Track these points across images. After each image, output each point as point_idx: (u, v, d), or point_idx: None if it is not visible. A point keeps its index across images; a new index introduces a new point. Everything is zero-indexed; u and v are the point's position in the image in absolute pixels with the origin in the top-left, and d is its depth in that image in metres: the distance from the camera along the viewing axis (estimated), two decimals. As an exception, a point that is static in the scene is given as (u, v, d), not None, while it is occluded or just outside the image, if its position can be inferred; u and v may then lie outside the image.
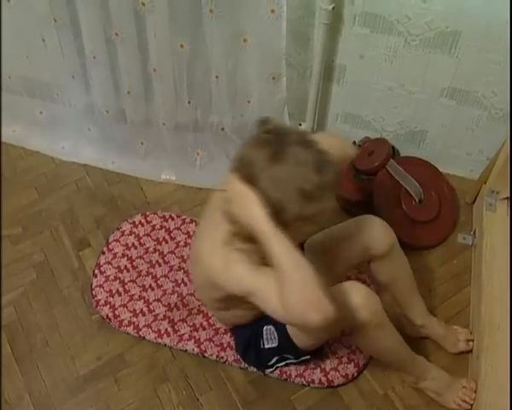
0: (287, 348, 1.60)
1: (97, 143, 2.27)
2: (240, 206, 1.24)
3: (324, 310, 1.19)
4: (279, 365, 1.70)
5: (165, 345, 1.81)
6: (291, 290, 1.20)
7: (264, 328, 1.60)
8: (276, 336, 1.59)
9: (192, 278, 1.66)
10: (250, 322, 1.62)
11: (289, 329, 1.55)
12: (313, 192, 1.20)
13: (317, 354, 1.70)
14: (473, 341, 1.77)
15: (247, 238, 1.31)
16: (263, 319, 1.57)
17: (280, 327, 1.57)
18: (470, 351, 1.77)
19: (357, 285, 1.46)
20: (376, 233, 1.61)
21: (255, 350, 1.65)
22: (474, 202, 2.11)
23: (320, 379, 1.74)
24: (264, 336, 1.61)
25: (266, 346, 1.61)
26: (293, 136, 1.24)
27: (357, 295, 1.42)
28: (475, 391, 1.65)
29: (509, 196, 1.91)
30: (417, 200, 2.01)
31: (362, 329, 1.46)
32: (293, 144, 1.21)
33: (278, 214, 1.21)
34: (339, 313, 1.21)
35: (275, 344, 1.60)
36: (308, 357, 1.67)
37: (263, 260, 1.28)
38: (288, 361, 1.69)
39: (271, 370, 1.72)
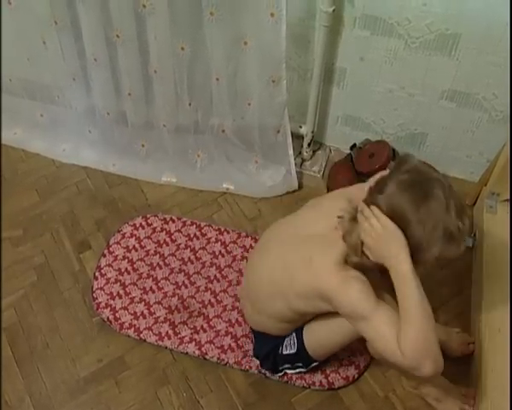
0: (302, 356, 1.62)
1: (98, 145, 2.27)
2: (385, 243, 1.27)
3: (438, 365, 1.25)
4: (289, 372, 1.71)
5: (166, 347, 1.81)
6: (413, 336, 1.24)
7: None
8: (295, 342, 1.61)
9: (268, 282, 1.56)
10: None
11: (306, 340, 1.58)
12: (456, 235, 1.24)
13: (326, 361, 1.72)
14: (473, 343, 1.76)
15: (358, 266, 1.35)
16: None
17: (300, 335, 1.59)
18: (471, 354, 1.76)
19: None
20: None
21: (274, 355, 1.67)
22: (474, 204, 2.11)
23: (321, 381, 1.74)
24: (284, 343, 1.63)
25: (284, 352, 1.64)
26: (436, 178, 1.27)
27: None
28: (474, 398, 1.64)
29: (509, 198, 1.91)
30: (418, 202, 2.01)
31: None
32: (436, 187, 1.24)
33: (417, 253, 1.26)
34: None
35: (293, 351, 1.62)
36: (316, 363, 1.68)
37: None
38: (298, 370, 1.70)
39: (280, 374, 1.73)
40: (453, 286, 1.94)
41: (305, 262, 1.41)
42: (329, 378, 1.74)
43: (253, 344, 1.76)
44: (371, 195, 1.31)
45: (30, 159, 2.31)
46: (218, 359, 1.78)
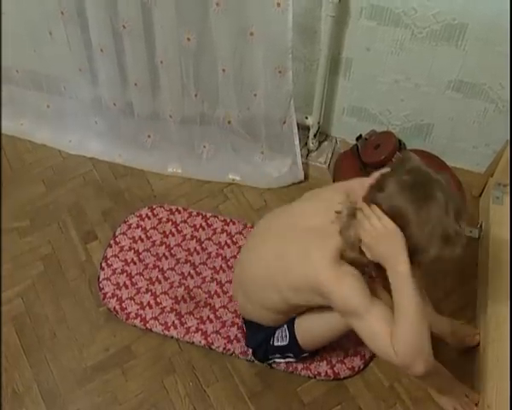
0: (293, 348, 1.63)
1: (104, 136, 2.28)
2: (385, 243, 1.27)
3: (430, 365, 1.29)
4: (278, 361, 1.73)
5: (172, 337, 1.82)
6: (408, 336, 1.27)
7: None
8: (287, 335, 1.62)
9: (262, 273, 1.55)
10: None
11: (297, 333, 1.59)
12: (453, 238, 1.24)
13: (315, 352, 1.74)
14: (478, 335, 1.76)
15: (354, 262, 1.35)
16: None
17: (291, 328, 1.60)
18: (476, 345, 1.76)
19: None
20: None
21: (265, 346, 1.68)
22: (480, 195, 2.11)
23: (326, 372, 1.74)
24: (276, 335, 1.64)
25: (275, 344, 1.65)
26: (436, 180, 1.26)
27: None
28: (477, 405, 1.64)
29: (509, 190, 1.91)
30: (424, 193, 2.01)
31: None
32: (437, 189, 1.24)
33: (414, 254, 1.26)
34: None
35: (284, 343, 1.63)
36: (306, 354, 1.69)
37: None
38: (287, 360, 1.71)
39: (269, 362, 1.74)
40: (458, 277, 1.94)
41: (300, 255, 1.41)
42: (335, 369, 1.75)
43: (246, 334, 1.77)
44: (371, 192, 1.31)
45: (36, 150, 2.33)
46: (224, 349, 1.79)
